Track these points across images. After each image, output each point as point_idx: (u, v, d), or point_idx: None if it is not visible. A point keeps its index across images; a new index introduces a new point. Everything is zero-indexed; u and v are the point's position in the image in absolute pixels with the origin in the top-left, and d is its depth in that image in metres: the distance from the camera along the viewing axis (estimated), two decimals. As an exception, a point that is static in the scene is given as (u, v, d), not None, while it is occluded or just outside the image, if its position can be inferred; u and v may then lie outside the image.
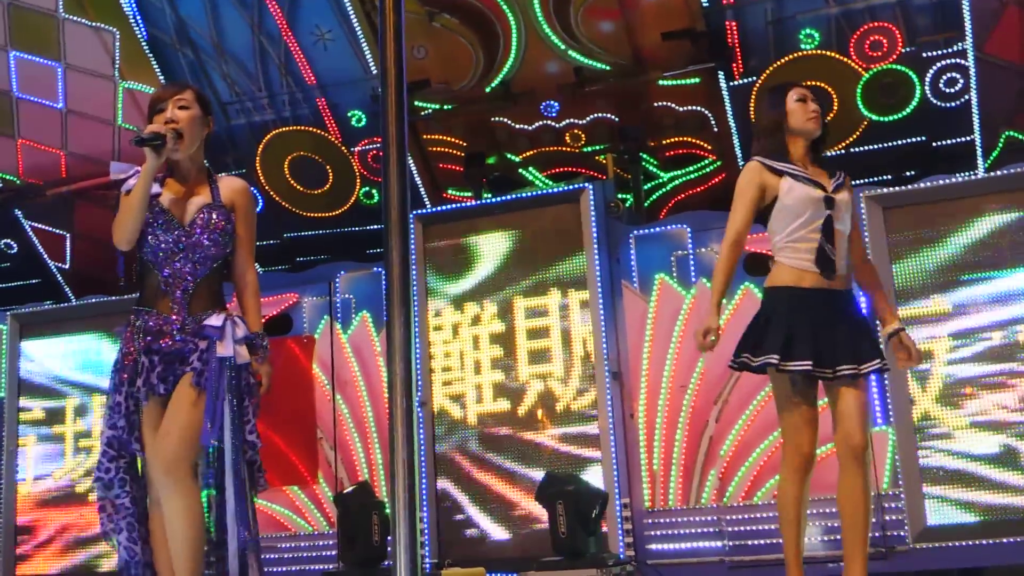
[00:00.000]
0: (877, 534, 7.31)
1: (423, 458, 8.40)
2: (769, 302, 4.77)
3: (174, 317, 4.13)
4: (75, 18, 10.00)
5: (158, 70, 9.97)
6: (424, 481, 8.34)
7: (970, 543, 7.15)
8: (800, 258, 4.64)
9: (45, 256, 10.91)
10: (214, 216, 4.22)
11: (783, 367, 4.52)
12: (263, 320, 4.45)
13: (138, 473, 4.19)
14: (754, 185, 4.71)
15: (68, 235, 10.80)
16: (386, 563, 7.78)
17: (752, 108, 4.98)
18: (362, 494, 7.90)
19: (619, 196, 8.89)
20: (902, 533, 7.26)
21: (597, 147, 9.68)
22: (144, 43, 9.85)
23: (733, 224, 4.76)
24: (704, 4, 8.79)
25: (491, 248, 8.71)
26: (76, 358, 9.73)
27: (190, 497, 4.01)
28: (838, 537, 7.39)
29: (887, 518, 7.35)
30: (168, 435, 4.02)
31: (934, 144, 8.68)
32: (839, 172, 4.82)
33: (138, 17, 9.78)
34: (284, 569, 8.82)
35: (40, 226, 10.81)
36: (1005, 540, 7.09)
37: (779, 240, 4.72)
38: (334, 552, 8.10)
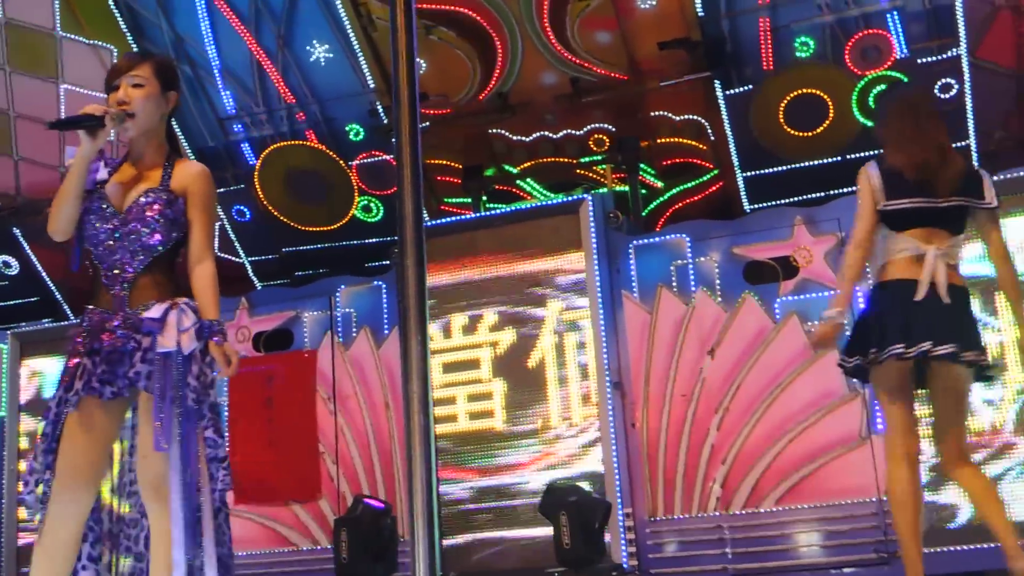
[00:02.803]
0: (880, 539, 7.34)
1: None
2: None
3: (115, 312, 3.81)
4: (72, 36, 10.04)
5: (156, 87, 9.97)
6: (427, 493, 8.33)
7: (971, 547, 7.17)
8: None
9: (44, 274, 10.92)
10: (153, 201, 3.86)
11: None
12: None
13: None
14: None
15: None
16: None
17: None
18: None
19: (617, 206, 8.91)
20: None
21: (595, 157, 9.71)
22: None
23: None
24: (700, 14, 8.83)
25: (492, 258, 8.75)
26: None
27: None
28: (839, 543, 7.47)
29: (888, 523, 7.36)
30: (146, 456, 3.75)
31: (929, 150, 8.71)
32: None
33: (135, 34, 9.81)
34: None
35: (38, 244, 10.82)
36: (1007, 544, 7.11)
37: None
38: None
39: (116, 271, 3.84)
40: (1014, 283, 4.71)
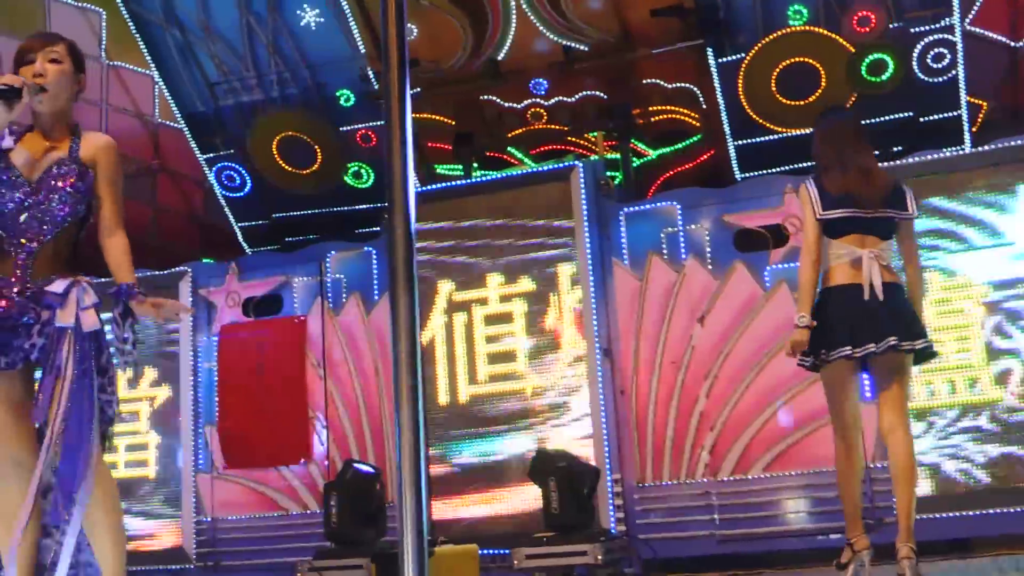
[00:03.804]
0: (866, 506, 7.38)
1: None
2: None
3: (14, 280, 3.81)
4: (61, -1, 9.98)
5: (145, 50, 9.94)
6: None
7: (957, 514, 7.24)
8: None
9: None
10: (64, 173, 3.90)
11: None
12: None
13: None
14: None
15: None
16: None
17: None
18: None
19: (608, 174, 8.91)
20: (891, 505, 7.32)
21: (586, 125, 9.69)
22: (130, 23, 9.81)
23: None
24: (692, -19, 8.80)
25: (483, 226, 8.73)
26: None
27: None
28: (826, 510, 7.52)
29: (876, 490, 7.41)
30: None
31: (921, 119, 8.71)
32: None
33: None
34: (277, 547, 8.86)
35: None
36: (991, 511, 7.18)
37: None
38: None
39: (22, 240, 3.85)
40: (918, 284, 5.38)
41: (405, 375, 2.40)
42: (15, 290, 3.79)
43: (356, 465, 7.98)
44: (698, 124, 9.67)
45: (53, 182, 3.89)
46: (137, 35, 9.87)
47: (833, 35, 8.66)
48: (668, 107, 9.73)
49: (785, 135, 8.93)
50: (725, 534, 7.74)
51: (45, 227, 3.87)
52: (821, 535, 7.55)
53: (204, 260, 10.40)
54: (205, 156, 10.34)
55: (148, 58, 9.97)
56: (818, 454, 7.55)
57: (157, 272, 9.38)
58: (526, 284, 8.52)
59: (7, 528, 3.80)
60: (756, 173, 8.92)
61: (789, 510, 7.66)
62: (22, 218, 3.86)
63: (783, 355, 7.60)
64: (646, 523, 7.95)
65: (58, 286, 3.78)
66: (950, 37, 8.46)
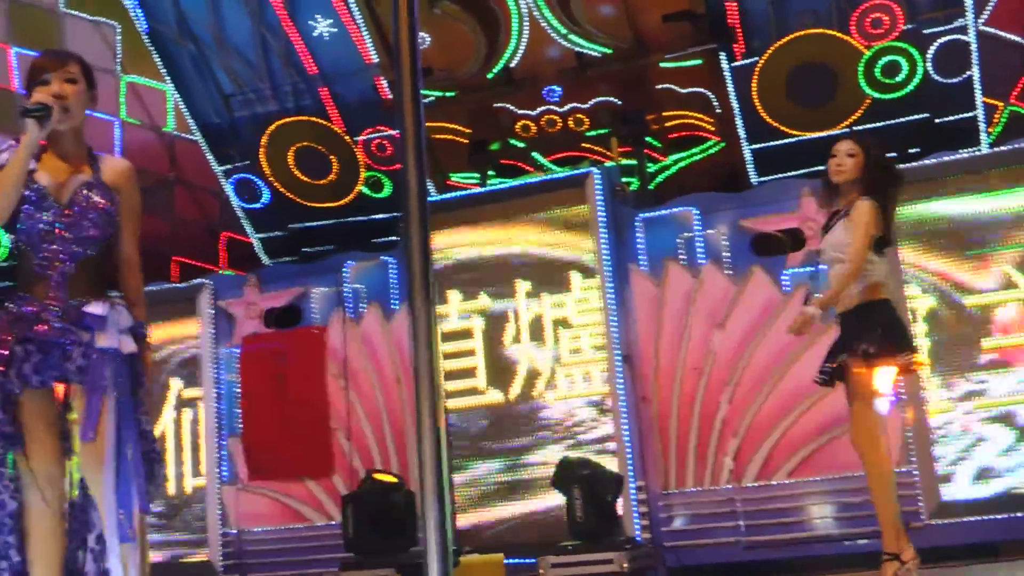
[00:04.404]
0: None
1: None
2: None
3: (51, 303, 3.80)
4: (76, 13, 10.01)
5: (160, 63, 9.99)
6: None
7: (984, 518, 7.18)
8: None
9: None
10: (95, 195, 3.91)
11: None
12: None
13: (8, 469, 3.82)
14: None
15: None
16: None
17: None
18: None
19: (624, 180, 8.88)
20: (917, 509, 7.27)
21: (601, 131, 9.67)
22: (145, 36, 9.86)
23: None
24: (704, -14, 8.78)
25: (499, 233, 8.72)
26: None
27: None
28: (852, 515, 7.47)
29: (901, 494, 7.35)
30: (85, 448, 3.78)
31: (936, 121, 8.66)
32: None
33: (139, 11, 9.78)
34: (302, 558, 8.85)
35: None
36: (1019, 515, 7.12)
37: None
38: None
39: (55, 261, 3.84)
40: None
41: (425, 384, 2.40)
42: (52, 313, 3.80)
43: (377, 475, 7.97)
44: (712, 128, 9.63)
45: (85, 204, 3.90)
46: (152, 48, 9.91)
47: (847, 37, 8.63)
48: (682, 111, 9.69)
49: (801, 138, 8.88)
50: (751, 540, 7.71)
51: (78, 248, 3.86)
52: (848, 540, 7.50)
53: (223, 272, 10.43)
54: (221, 168, 10.37)
55: (163, 71, 10.01)
56: (843, 459, 7.48)
57: (177, 285, 9.40)
58: (541, 292, 8.51)
59: (44, 543, 3.80)
60: (773, 177, 8.88)
61: (815, 515, 7.62)
62: (54, 239, 3.86)
63: (804, 359, 7.65)
64: (671, 530, 7.92)
65: (97, 308, 3.79)
66: (964, 38, 8.42)
